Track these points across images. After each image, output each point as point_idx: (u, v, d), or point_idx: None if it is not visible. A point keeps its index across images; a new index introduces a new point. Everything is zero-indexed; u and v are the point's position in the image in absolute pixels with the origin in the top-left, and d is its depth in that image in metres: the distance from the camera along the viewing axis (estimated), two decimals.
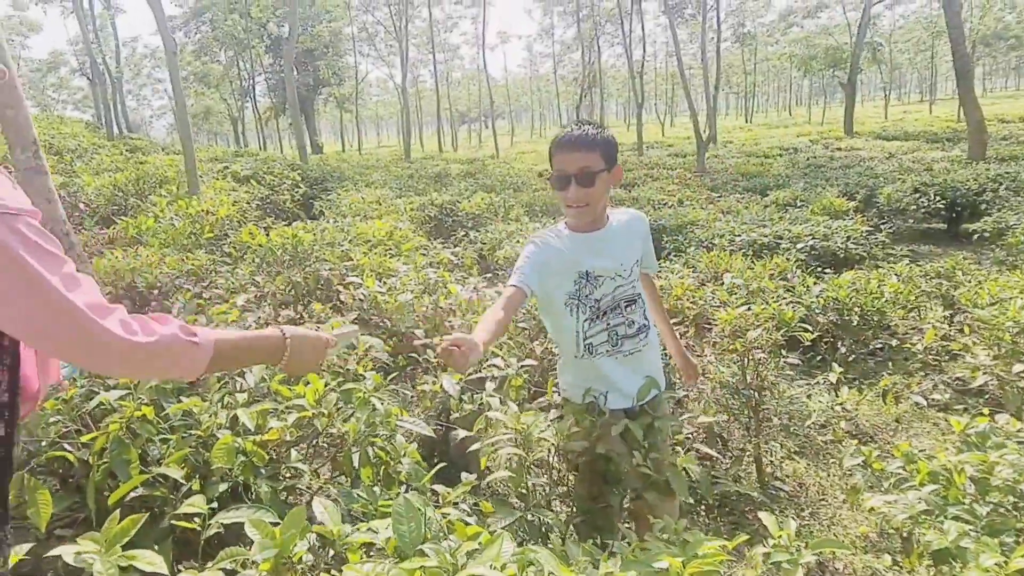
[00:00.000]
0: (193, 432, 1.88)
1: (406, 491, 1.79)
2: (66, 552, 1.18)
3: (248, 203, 9.34)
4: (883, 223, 8.23)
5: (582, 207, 1.93)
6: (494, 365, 2.92)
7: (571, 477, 2.08)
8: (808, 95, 70.96)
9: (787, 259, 5.68)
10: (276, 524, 1.31)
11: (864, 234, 6.77)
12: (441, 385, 2.75)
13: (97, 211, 9.20)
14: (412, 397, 3.28)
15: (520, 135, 69.70)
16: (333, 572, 1.27)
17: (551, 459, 2.04)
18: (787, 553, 1.38)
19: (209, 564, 1.28)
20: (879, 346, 4.48)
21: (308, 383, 2.02)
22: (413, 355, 3.47)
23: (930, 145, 20.63)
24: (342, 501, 1.62)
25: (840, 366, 3.53)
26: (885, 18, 54.57)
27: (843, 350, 4.41)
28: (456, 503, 1.64)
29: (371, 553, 1.33)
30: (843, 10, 41.12)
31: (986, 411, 2.43)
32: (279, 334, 1.29)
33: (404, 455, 2.04)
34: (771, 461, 3.21)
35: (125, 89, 39.29)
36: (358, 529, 1.36)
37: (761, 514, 1.59)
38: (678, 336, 2.45)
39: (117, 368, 1.04)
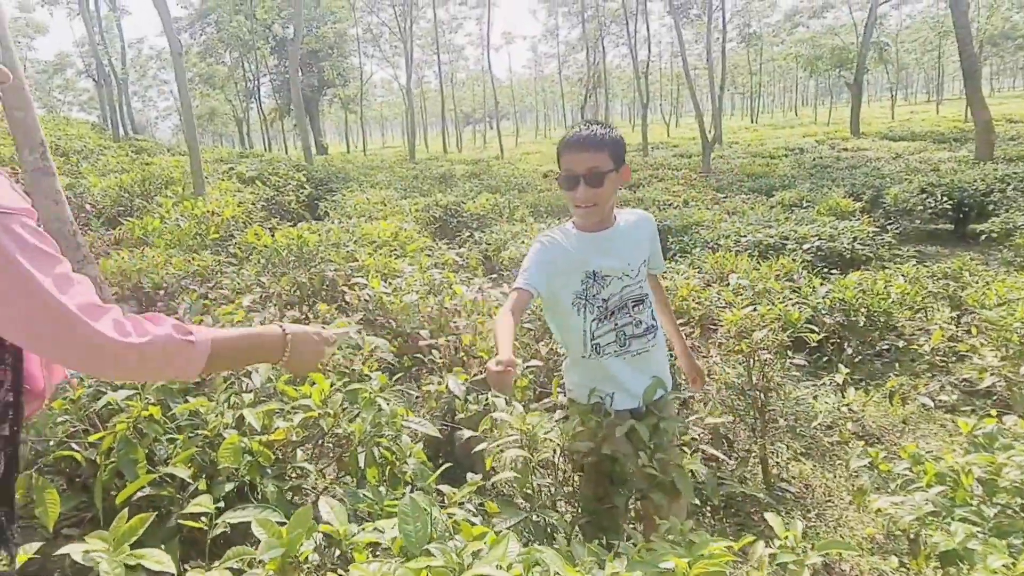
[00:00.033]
0: (200, 432, 1.89)
1: (412, 491, 1.79)
2: (74, 551, 1.19)
3: (253, 204, 9.37)
4: (890, 224, 8.20)
5: (590, 207, 1.93)
6: None
7: (576, 478, 2.08)
8: (814, 95, 70.79)
9: (793, 260, 5.67)
10: (282, 524, 1.32)
11: (871, 235, 6.74)
12: (446, 386, 2.76)
13: (103, 212, 9.25)
14: (417, 397, 3.29)
15: (525, 136, 69.71)
16: (340, 571, 1.27)
17: (556, 460, 2.04)
18: (793, 554, 1.38)
19: (216, 563, 1.28)
20: (886, 347, 4.46)
21: (314, 383, 2.02)
22: (418, 355, 3.47)
23: (937, 145, 20.53)
24: (348, 501, 1.63)
25: (846, 367, 3.51)
26: (892, 18, 54.43)
27: (849, 351, 4.39)
28: (462, 503, 1.64)
29: (377, 553, 1.34)
30: (849, 10, 41.01)
31: (994, 412, 2.42)
32: (279, 331, 1.26)
33: (410, 455, 2.04)
34: (777, 462, 3.20)
35: (131, 90, 39.52)
36: (364, 529, 1.36)
37: (767, 515, 1.58)
38: (684, 338, 2.44)
39: (112, 370, 1.02)
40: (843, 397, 3.47)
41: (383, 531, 1.34)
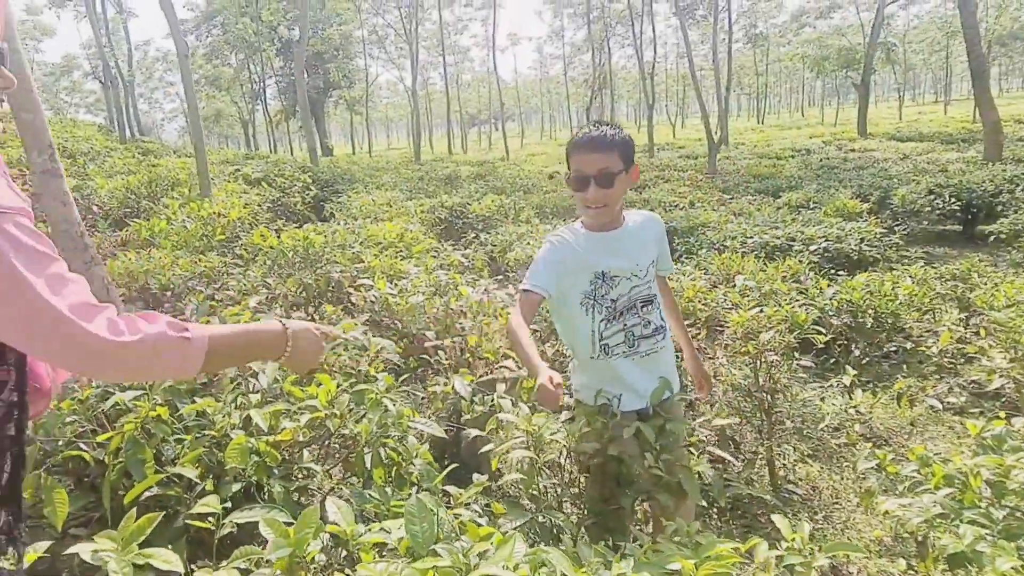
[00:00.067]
0: (207, 432, 1.90)
1: (418, 492, 1.79)
2: (83, 550, 1.20)
3: (259, 205, 9.41)
4: (897, 225, 8.16)
5: (601, 208, 1.94)
6: (505, 367, 2.92)
7: (583, 479, 2.08)
8: (821, 96, 70.50)
9: (800, 261, 5.65)
10: (290, 524, 1.32)
11: (878, 236, 6.71)
12: (452, 387, 2.76)
13: (110, 213, 9.30)
14: (423, 398, 3.29)
15: (530, 137, 69.71)
16: (346, 571, 1.28)
17: (563, 461, 2.04)
18: (800, 556, 1.37)
19: (223, 563, 1.29)
20: (893, 349, 4.44)
21: (320, 384, 2.03)
22: (424, 357, 3.48)
23: (945, 146, 20.44)
24: (354, 501, 1.63)
25: (854, 369, 3.50)
26: (899, 18, 54.24)
27: (857, 353, 4.37)
28: (468, 504, 1.64)
29: (383, 553, 1.34)
30: (856, 10, 40.86)
31: (1002, 414, 2.41)
32: (280, 327, 1.23)
33: (416, 456, 2.04)
34: (784, 464, 3.18)
35: (137, 92, 39.64)
36: (370, 529, 1.36)
37: (774, 517, 1.57)
38: (693, 342, 2.43)
39: (110, 371, 1.01)
40: (850, 399, 3.45)
41: (389, 531, 1.34)
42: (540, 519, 1.77)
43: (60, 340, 0.92)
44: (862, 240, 6.48)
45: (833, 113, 52.71)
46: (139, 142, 23.55)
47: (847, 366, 3.69)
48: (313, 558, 1.28)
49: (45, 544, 1.29)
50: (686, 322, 3.93)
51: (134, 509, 1.32)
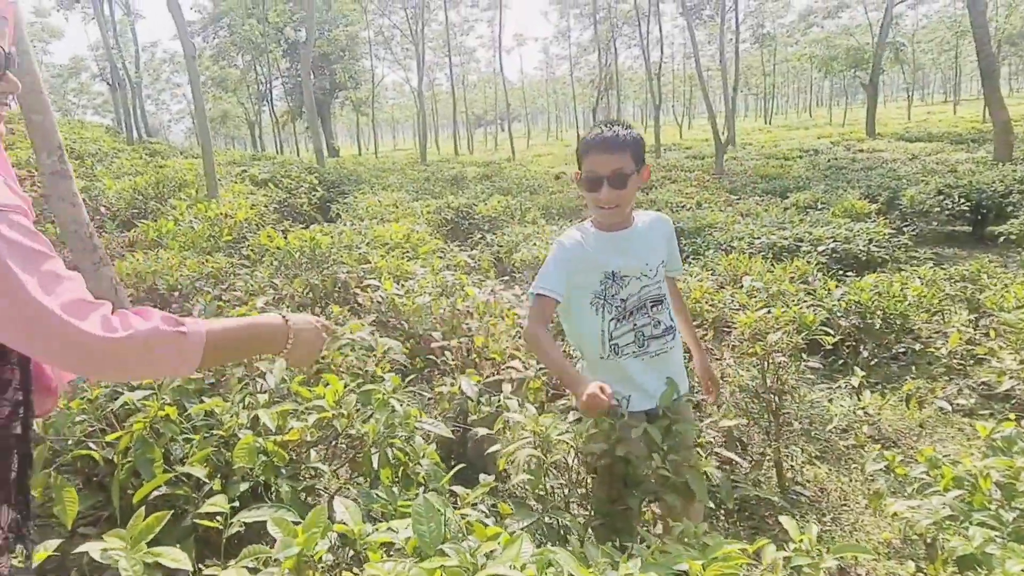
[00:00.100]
0: (215, 432, 1.91)
1: (424, 492, 1.80)
2: (92, 549, 1.20)
3: (266, 206, 9.43)
4: (906, 226, 8.12)
5: (613, 208, 1.95)
6: (512, 367, 2.92)
7: (590, 480, 2.07)
8: (829, 96, 70.26)
9: (808, 262, 5.62)
10: (297, 523, 1.32)
11: (887, 237, 6.68)
12: (459, 387, 2.76)
13: (118, 215, 9.35)
14: (430, 399, 3.30)
15: (536, 138, 69.75)
16: (354, 571, 1.28)
17: (570, 461, 2.04)
18: (808, 557, 1.37)
19: (231, 562, 1.29)
20: (902, 350, 4.42)
21: (328, 384, 2.03)
22: (431, 357, 3.48)
23: (954, 146, 20.31)
24: (361, 501, 1.64)
25: (862, 370, 3.48)
26: (908, 18, 53.96)
27: (865, 354, 4.35)
28: (474, 504, 1.64)
29: (391, 553, 1.34)
30: (864, 10, 40.64)
31: (1012, 416, 2.39)
32: (280, 320, 1.21)
33: (423, 456, 2.04)
34: (791, 466, 3.17)
35: (144, 94, 39.90)
36: (378, 529, 1.37)
37: (782, 518, 1.57)
38: (702, 345, 2.42)
39: (110, 369, 0.99)
40: (859, 400, 3.43)
41: (397, 531, 1.34)
42: (547, 519, 1.77)
43: (59, 341, 0.91)
44: (871, 241, 6.45)
45: (841, 113, 52.51)
46: (146, 143, 23.66)
47: (855, 367, 3.67)
48: (321, 557, 1.29)
49: (55, 543, 1.30)
50: (693, 323, 3.92)
51: (143, 508, 1.33)
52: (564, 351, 3.32)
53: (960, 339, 3.99)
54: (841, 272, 5.74)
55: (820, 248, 6.29)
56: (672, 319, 2.09)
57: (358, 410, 2.02)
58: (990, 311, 4.25)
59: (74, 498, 1.61)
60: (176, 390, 2.00)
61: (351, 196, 11.52)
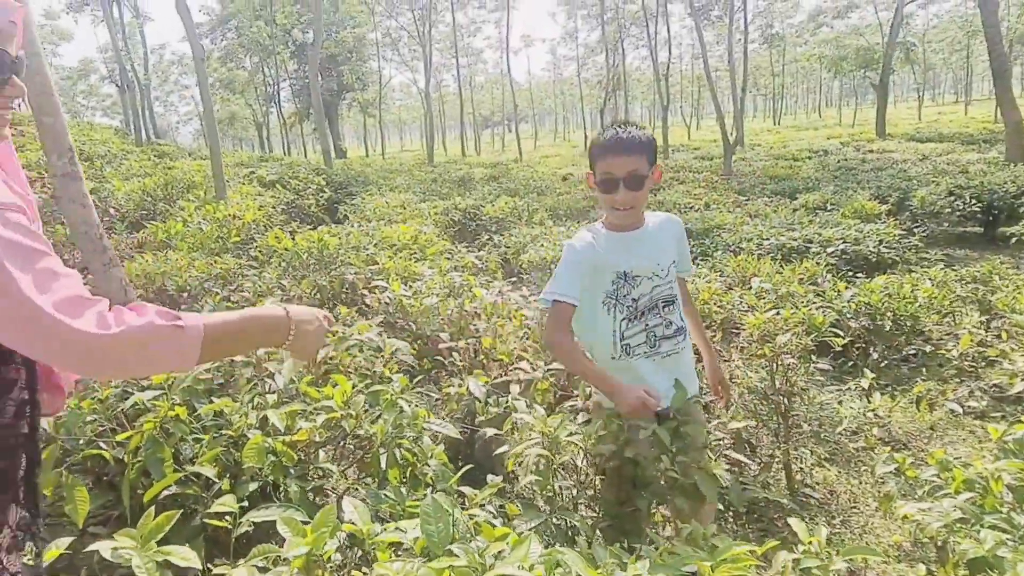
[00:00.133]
0: (225, 432, 1.91)
1: (432, 492, 1.80)
2: (103, 547, 1.21)
3: (274, 208, 9.47)
4: (917, 227, 8.06)
5: (628, 209, 1.96)
6: (520, 368, 2.92)
7: (598, 481, 2.07)
8: (838, 96, 69.93)
9: (817, 263, 5.59)
10: (306, 523, 1.33)
11: (897, 238, 6.63)
12: (466, 388, 2.76)
13: (127, 216, 9.41)
14: (437, 400, 3.30)
15: (543, 139, 69.72)
16: (363, 570, 1.28)
17: (578, 462, 2.03)
18: (817, 560, 1.36)
19: (240, 561, 1.30)
20: (913, 352, 4.39)
21: (336, 385, 2.04)
22: (438, 358, 3.49)
23: (966, 147, 20.15)
24: (369, 501, 1.64)
25: (872, 372, 3.45)
26: (918, 17, 53.64)
27: (875, 356, 4.32)
28: (482, 505, 1.64)
29: (399, 553, 1.34)
30: (875, 10, 40.47)
31: None
32: (282, 312, 1.18)
33: (431, 457, 2.05)
34: (801, 468, 3.16)
35: (153, 96, 40.12)
36: (386, 529, 1.37)
37: (791, 520, 1.56)
38: (713, 348, 2.40)
39: (109, 367, 0.98)
40: (869, 402, 3.41)
41: (405, 531, 1.35)
42: (555, 520, 1.77)
43: (57, 341, 0.90)
44: (881, 242, 6.41)
45: (851, 114, 52.18)
46: (155, 145, 23.82)
47: (865, 369, 3.65)
48: (330, 557, 1.29)
49: (66, 541, 1.31)
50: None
51: (153, 507, 1.34)
52: None
53: (971, 341, 3.95)
54: (851, 273, 5.71)
55: (830, 249, 6.26)
56: (683, 320, 2.08)
57: (366, 411, 2.02)
58: (1002, 313, 4.22)
59: (85, 497, 1.62)
60: (186, 390, 2.01)
61: (359, 197, 11.55)
